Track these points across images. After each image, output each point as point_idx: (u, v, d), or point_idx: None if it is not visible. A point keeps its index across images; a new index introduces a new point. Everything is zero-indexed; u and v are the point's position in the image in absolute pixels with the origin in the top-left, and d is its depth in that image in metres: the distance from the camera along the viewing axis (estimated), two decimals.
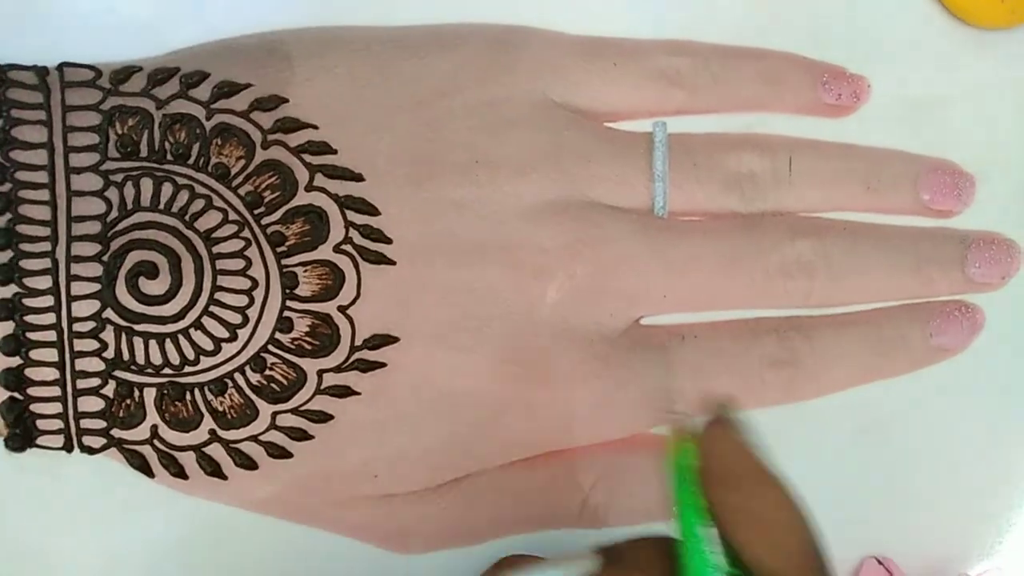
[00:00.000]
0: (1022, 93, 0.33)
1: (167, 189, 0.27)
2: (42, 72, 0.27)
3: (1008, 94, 0.33)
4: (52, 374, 0.27)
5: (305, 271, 0.28)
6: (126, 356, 0.27)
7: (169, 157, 0.28)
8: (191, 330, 0.27)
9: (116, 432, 0.27)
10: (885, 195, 0.32)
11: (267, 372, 0.28)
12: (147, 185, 0.27)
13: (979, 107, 0.33)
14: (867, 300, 0.32)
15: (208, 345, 0.27)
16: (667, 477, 0.21)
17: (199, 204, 0.27)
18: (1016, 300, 0.32)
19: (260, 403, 0.28)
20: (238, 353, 0.27)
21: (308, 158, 0.28)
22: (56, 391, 0.27)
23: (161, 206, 0.27)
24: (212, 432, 0.28)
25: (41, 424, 0.27)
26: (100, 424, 0.27)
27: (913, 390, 0.32)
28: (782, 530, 0.20)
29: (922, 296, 0.32)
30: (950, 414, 0.32)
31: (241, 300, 0.27)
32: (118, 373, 0.27)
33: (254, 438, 0.28)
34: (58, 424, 0.27)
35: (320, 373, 0.28)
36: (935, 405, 0.31)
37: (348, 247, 0.28)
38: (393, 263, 0.28)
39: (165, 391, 0.27)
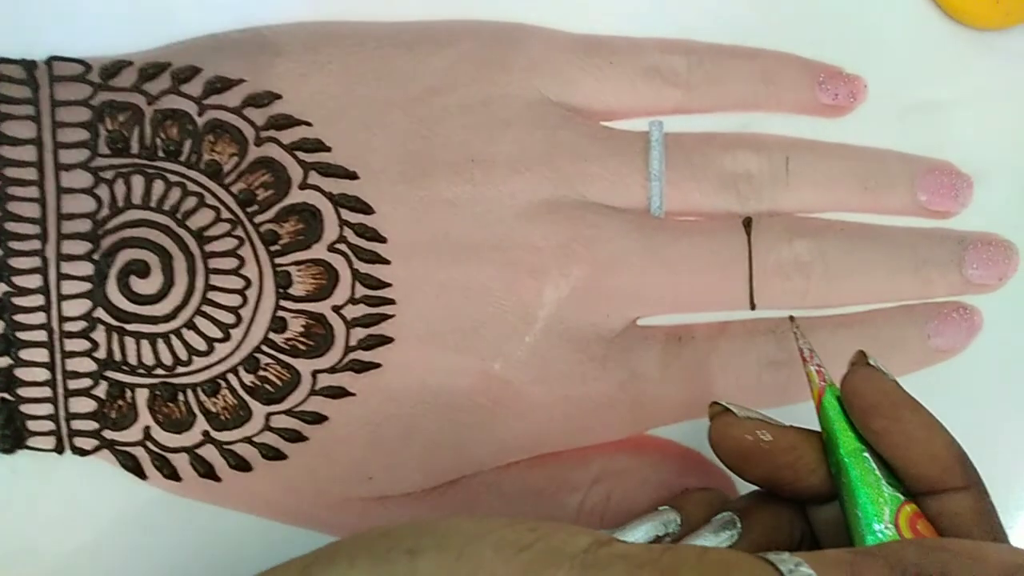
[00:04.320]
0: (1018, 94, 0.33)
1: (158, 187, 0.27)
2: (30, 66, 0.27)
3: (1004, 95, 0.33)
4: (43, 374, 0.26)
5: (299, 270, 0.28)
6: (118, 356, 0.27)
7: (160, 154, 0.27)
8: (183, 330, 0.27)
9: (108, 433, 0.27)
10: (882, 196, 0.32)
11: (261, 372, 0.27)
12: (138, 182, 0.27)
13: (975, 108, 0.33)
14: (864, 301, 0.32)
15: (201, 345, 0.27)
16: (822, 418, 0.25)
17: (191, 202, 0.27)
18: (1014, 301, 0.32)
19: (254, 404, 0.27)
20: (231, 353, 0.27)
21: (302, 155, 0.28)
22: (47, 392, 0.26)
23: (152, 204, 0.27)
24: (205, 433, 0.27)
25: (32, 425, 0.27)
26: (92, 425, 0.27)
27: (911, 391, 0.32)
28: (932, 443, 0.23)
29: (920, 297, 0.32)
30: (949, 415, 0.32)
31: (234, 300, 0.27)
32: (110, 374, 0.27)
33: (248, 439, 0.27)
34: (49, 425, 0.27)
35: (314, 374, 0.28)
36: (934, 406, 0.30)
37: (342, 246, 0.28)
38: (387, 262, 0.28)
39: (157, 392, 0.27)
